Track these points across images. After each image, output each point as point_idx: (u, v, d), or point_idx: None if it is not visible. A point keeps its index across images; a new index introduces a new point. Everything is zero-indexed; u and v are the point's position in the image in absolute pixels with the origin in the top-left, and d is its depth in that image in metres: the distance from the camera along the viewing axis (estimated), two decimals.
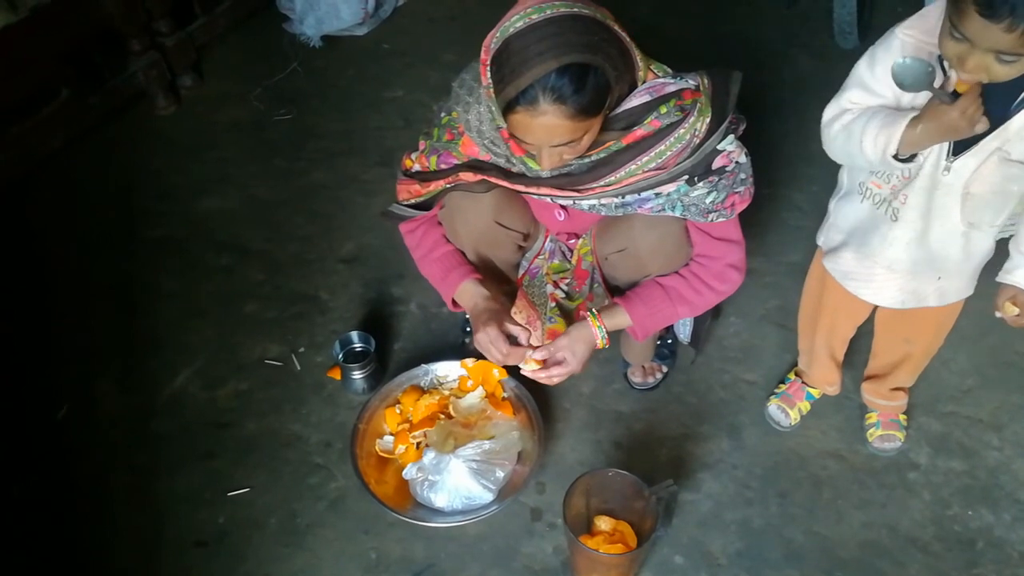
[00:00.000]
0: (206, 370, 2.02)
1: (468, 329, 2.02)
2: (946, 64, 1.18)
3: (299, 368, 2.02)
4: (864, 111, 1.27)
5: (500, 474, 1.66)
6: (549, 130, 1.30)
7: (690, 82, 1.42)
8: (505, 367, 1.76)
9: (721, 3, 3.15)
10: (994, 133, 1.22)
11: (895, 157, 1.22)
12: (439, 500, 1.64)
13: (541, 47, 1.25)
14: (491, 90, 1.34)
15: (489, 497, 1.64)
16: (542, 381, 1.64)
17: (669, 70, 1.46)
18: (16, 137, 2.38)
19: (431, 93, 2.78)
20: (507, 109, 1.31)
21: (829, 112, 1.34)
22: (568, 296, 1.83)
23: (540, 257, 1.83)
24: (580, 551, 1.44)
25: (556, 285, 1.84)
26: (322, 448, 1.86)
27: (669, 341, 1.96)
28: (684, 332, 1.92)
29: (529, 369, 1.60)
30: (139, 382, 1.99)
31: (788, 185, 2.38)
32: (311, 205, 2.44)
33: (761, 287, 2.13)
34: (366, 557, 1.67)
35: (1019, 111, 1.20)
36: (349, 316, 2.12)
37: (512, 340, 1.60)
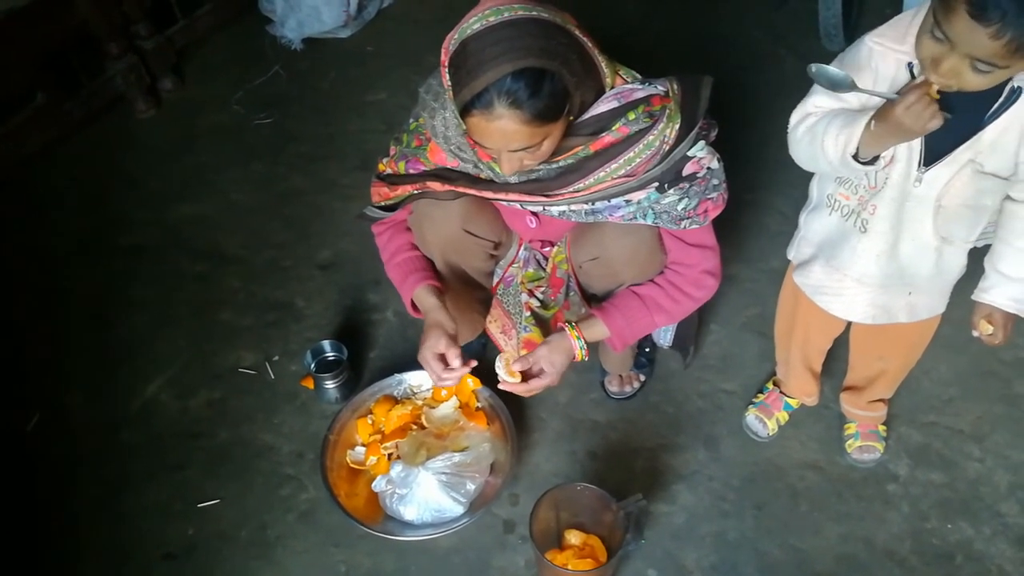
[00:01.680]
0: (179, 379, 1.99)
1: None
2: (915, 69, 1.15)
3: (273, 377, 1.99)
4: (827, 113, 1.25)
5: (471, 486, 1.63)
6: (505, 135, 1.28)
7: (659, 88, 1.40)
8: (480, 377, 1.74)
9: (708, 2, 3.12)
10: (966, 144, 1.19)
11: (855, 158, 1.19)
12: (408, 513, 1.62)
13: (497, 50, 1.23)
14: (450, 93, 1.32)
15: (460, 510, 1.62)
16: (520, 394, 1.61)
17: (638, 76, 1.44)
18: None
19: (414, 96, 2.74)
20: (464, 112, 1.29)
21: (795, 116, 1.32)
22: (543, 304, 1.80)
23: (514, 266, 1.80)
24: (547, 567, 1.42)
25: (531, 294, 1.81)
26: (294, 459, 1.83)
27: (647, 349, 1.93)
28: (665, 338, 1.90)
29: (508, 382, 1.58)
30: (110, 392, 1.97)
31: (769, 190, 2.36)
32: (288, 210, 2.41)
33: (741, 293, 2.10)
34: (335, 570, 1.65)
35: (991, 122, 1.17)
36: (325, 324, 2.10)
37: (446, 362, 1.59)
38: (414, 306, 1.68)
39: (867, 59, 1.22)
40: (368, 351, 2.03)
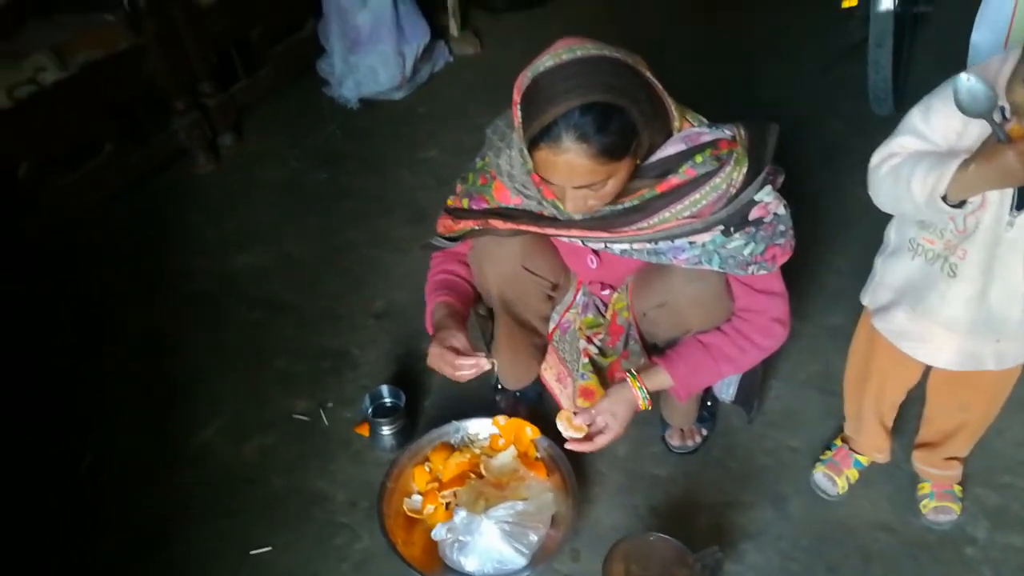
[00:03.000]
0: (232, 424, 1.98)
1: (499, 387, 1.97)
2: (1007, 111, 1.14)
3: (327, 423, 1.97)
4: (914, 154, 1.24)
5: (534, 537, 1.58)
6: (571, 169, 1.28)
7: (726, 132, 1.41)
8: (545, 431, 1.71)
9: (756, 67, 3.17)
10: None
11: (944, 200, 1.17)
12: (469, 564, 1.57)
13: (568, 85, 1.25)
14: (520, 132, 1.33)
15: (522, 562, 1.57)
16: (585, 451, 1.59)
17: (705, 120, 1.45)
18: (59, 190, 2.43)
19: (465, 154, 2.79)
20: (531, 146, 1.30)
21: (877, 156, 1.31)
22: (602, 352, 1.79)
23: (572, 311, 1.79)
24: None
25: (590, 340, 1.80)
26: (348, 507, 1.80)
27: (709, 404, 1.89)
28: (728, 392, 1.87)
29: (574, 439, 1.55)
30: (164, 435, 1.96)
31: (825, 247, 2.34)
32: (342, 263, 2.44)
33: (801, 351, 2.06)
34: None
35: None
36: (379, 372, 2.09)
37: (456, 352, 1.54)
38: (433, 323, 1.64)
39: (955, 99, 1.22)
40: (422, 400, 2.02)
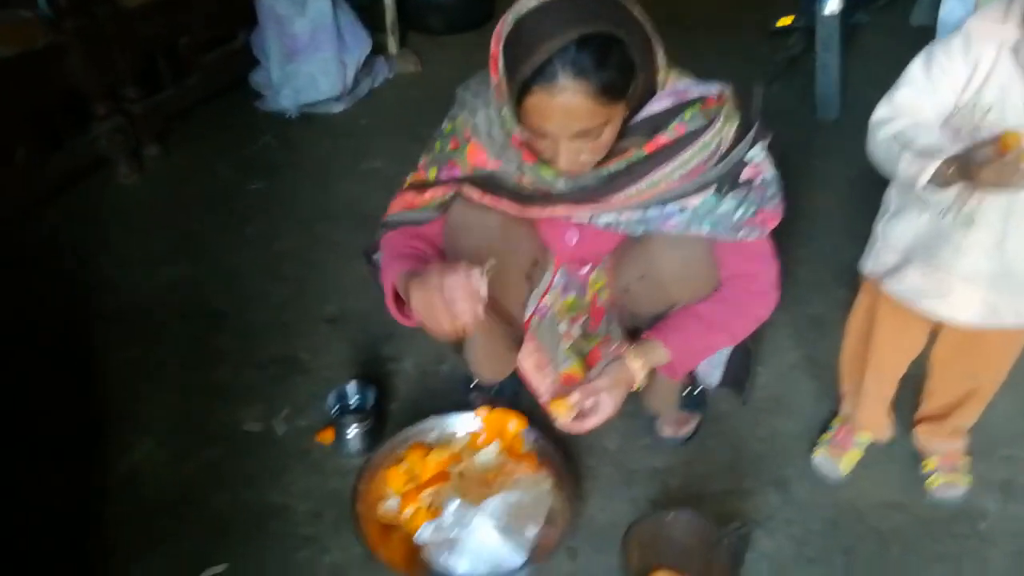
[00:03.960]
0: (168, 442, 1.74)
1: (472, 384, 1.81)
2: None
3: (280, 434, 1.76)
4: (909, 127, 1.22)
5: (531, 532, 1.41)
6: (569, 112, 1.16)
7: (713, 89, 1.33)
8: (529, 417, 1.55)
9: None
10: None
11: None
12: (461, 566, 1.38)
13: (559, 19, 1.14)
14: (503, 84, 1.21)
15: (519, 560, 1.39)
16: (574, 432, 1.44)
17: (691, 75, 1.37)
18: None
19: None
20: (522, 92, 1.17)
21: (879, 112, 1.28)
22: (584, 336, 1.66)
23: (550, 294, 1.66)
24: None
25: (570, 324, 1.67)
26: (311, 518, 1.58)
27: (696, 392, 1.78)
28: (713, 377, 1.76)
29: (566, 418, 1.40)
30: (90, 461, 1.70)
31: (787, 242, 2.29)
32: (285, 270, 2.25)
33: (782, 338, 1.99)
34: None
35: None
36: (334, 377, 1.88)
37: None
38: (396, 299, 1.39)
39: (963, 48, 1.19)
40: (389, 404, 1.83)
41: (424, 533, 1.42)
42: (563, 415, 1.40)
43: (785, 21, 3.13)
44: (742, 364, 1.71)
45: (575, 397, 1.40)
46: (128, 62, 2.49)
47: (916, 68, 1.27)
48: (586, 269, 1.65)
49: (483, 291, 1.23)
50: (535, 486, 1.48)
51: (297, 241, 2.36)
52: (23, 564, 1.51)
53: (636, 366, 1.41)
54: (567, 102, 1.15)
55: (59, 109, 2.40)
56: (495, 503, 1.40)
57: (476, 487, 1.52)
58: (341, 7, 2.84)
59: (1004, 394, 1.77)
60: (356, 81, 2.95)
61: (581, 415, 1.42)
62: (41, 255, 2.27)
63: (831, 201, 2.48)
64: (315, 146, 2.80)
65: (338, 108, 2.95)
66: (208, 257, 2.30)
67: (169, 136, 2.76)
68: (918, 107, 1.26)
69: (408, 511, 1.50)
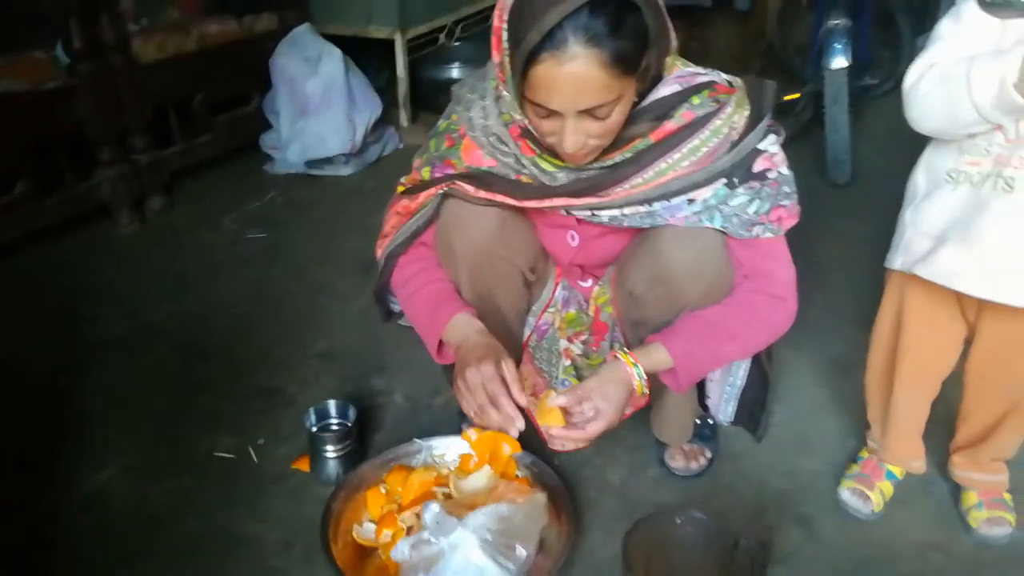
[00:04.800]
0: (138, 465, 1.62)
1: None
2: None
3: (256, 461, 1.63)
4: (963, 58, 1.13)
5: (522, 552, 1.24)
6: (578, 84, 1.09)
7: (723, 76, 1.28)
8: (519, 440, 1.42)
9: None
10: None
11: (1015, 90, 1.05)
12: None
13: None
14: (506, 59, 1.15)
15: None
16: (574, 442, 1.31)
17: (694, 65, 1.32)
18: None
19: None
20: (529, 61, 1.09)
21: (914, 72, 1.20)
22: (584, 355, 1.55)
23: (550, 310, 1.57)
24: None
25: (571, 340, 1.56)
26: (280, 549, 1.43)
27: (710, 421, 1.64)
28: (726, 412, 1.63)
29: (555, 427, 1.27)
30: (51, 482, 1.57)
31: (804, 289, 2.19)
32: (281, 311, 2.17)
33: (802, 377, 1.86)
34: None
35: None
36: None
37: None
38: (440, 348, 1.39)
39: None
40: (374, 434, 1.70)
41: (401, 551, 1.25)
42: (555, 424, 1.27)
43: (793, 96, 3.15)
44: (756, 400, 1.58)
45: (563, 399, 1.27)
46: (138, 111, 2.51)
47: (945, 25, 1.20)
48: (588, 283, 1.56)
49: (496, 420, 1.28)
50: (528, 501, 1.32)
51: (295, 286, 2.29)
52: None
53: (634, 369, 1.29)
54: (577, 71, 1.08)
55: (64, 150, 2.39)
56: (481, 516, 1.24)
57: (463, 510, 1.36)
58: (353, 71, 2.88)
59: None
60: (365, 145, 2.96)
61: (575, 423, 1.29)
62: (30, 286, 2.22)
63: (847, 254, 2.39)
64: (321, 203, 2.78)
65: (346, 171, 2.94)
66: (201, 298, 2.23)
67: (174, 191, 2.75)
68: (955, 52, 1.18)
69: (386, 535, 1.34)
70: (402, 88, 3.30)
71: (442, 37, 3.49)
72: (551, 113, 1.15)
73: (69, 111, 2.32)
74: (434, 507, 1.23)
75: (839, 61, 2.51)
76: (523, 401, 1.26)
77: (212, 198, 2.79)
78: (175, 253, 2.47)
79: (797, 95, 3.15)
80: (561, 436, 1.29)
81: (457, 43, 3.57)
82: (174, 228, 2.62)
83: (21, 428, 1.72)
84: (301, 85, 2.77)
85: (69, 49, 2.31)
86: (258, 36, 2.89)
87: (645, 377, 1.29)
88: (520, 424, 1.27)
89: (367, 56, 3.18)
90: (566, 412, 1.28)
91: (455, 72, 3.59)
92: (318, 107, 2.76)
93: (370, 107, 2.90)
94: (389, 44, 3.22)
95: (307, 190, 2.86)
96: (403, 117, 3.36)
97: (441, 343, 1.38)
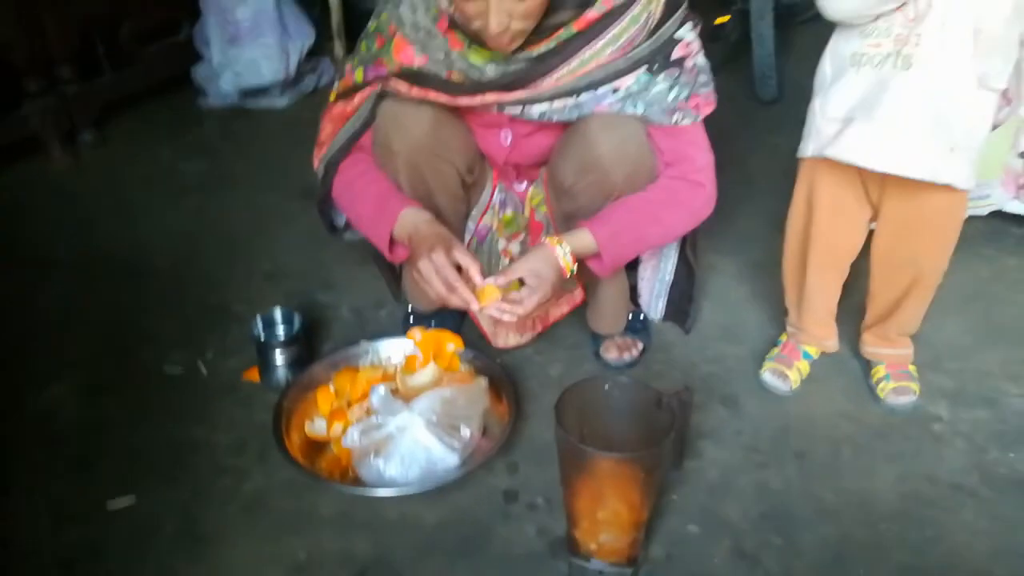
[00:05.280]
0: (82, 381, 1.64)
1: (410, 316, 1.75)
2: None
3: (205, 374, 1.67)
4: None
5: (466, 432, 1.33)
6: None
7: None
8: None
9: None
10: None
11: None
12: (391, 468, 1.29)
13: None
14: None
15: (454, 459, 1.31)
16: (512, 315, 1.35)
17: None
18: None
19: None
20: None
21: None
22: (523, 254, 1.61)
23: (488, 213, 1.63)
24: (580, 464, 1.11)
25: (509, 241, 1.63)
26: (234, 450, 1.49)
27: (641, 317, 1.73)
28: (656, 309, 1.73)
29: (491, 303, 1.33)
30: (2, 397, 1.59)
31: (730, 199, 2.29)
32: (224, 234, 2.18)
33: (727, 277, 1.96)
34: (293, 558, 1.28)
35: None
36: None
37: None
38: (391, 246, 1.43)
39: None
40: (322, 345, 1.75)
41: (351, 436, 1.33)
42: (493, 300, 1.32)
43: (723, 19, 3.21)
44: (684, 294, 1.69)
45: (497, 280, 1.33)
46: (64, 38, 2.45)
47: None
48: (524, 185, 1.62)
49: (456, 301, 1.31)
50: (470, 386, 1.40)
51: (237, 211, 2.30)
52: None
53: (559, 248, 1.35)
54: None
55: None
56: (425, 400, 1.32)
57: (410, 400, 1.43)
58: None
59: (947, 317, 1.77)
60: (300, 75, 2.94)
61: (510, 299, 1.34)
62: None
63: (772, 167, 2.48)
64: (257, 133, 2.77)
65: (281, 102, 2.92)
66: (143, 223, 2.23)
67: (107, 127, 2.70)
68: None
69: (337, 428, 1.41)
70: (335, 17, 3.24)
71: None
72: None
73: None
74: (380, 389, 1.30)
75: None
76: (478, 280, 1.31)
77: (146, 133, 2.75)
78: (113, 185, 2.45)
79: (727, 17, 3.21)
80: (501, 309, 1.33)
81: None
82: (110, 161, 2.58)
83: None
84: (231, 12, 2.72)
85: None
86: None
87: (571, 256, 1.36)
88: (475, 305, 1.31)
89: None
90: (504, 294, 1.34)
91: None
92: (249, 34, 2.73)
93: (303, 35, 2.87)
94: None
95: (243, 121, 2.84)
96: (338, 47, 3.31)
97: (392, 241, 1.42)
